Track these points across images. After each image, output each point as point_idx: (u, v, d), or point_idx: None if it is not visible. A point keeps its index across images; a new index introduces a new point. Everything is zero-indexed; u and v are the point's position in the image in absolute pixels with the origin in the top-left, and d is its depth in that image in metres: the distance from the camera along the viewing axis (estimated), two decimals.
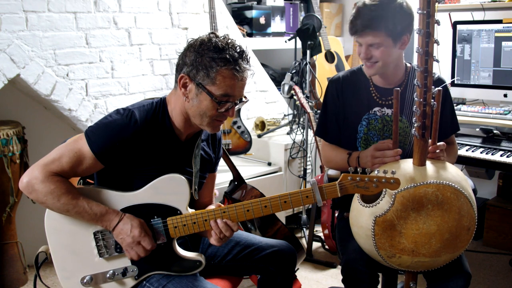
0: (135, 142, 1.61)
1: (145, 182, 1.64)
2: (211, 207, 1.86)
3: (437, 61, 1.63)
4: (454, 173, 1.68)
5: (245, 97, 1.67)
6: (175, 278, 1.66)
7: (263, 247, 1.86)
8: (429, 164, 1.69)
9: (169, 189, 1.64)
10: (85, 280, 1.64)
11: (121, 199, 1.64)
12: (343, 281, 1.86)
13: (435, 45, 1.61)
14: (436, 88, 1.65)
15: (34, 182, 1.54)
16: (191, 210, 1.66)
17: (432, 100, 1.64)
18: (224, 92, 1.57)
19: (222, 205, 1.65)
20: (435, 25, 1.60)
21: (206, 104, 1.59)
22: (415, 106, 1.64)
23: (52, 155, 1.58)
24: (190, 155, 1.74)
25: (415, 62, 1.70)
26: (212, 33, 1.63)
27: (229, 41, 1.59)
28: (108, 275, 1.64)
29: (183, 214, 1.64)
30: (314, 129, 3.00)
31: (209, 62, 1.55)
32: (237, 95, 1.61)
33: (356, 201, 1.72)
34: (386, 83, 1.98)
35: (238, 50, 1.59)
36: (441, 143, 1.78)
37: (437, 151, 1.75)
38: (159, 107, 1.68)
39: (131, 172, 1.66)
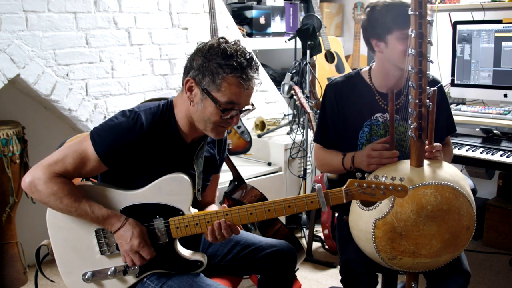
0: (140, 145, 1.59)
1: (149, 183, 1.63)
2: (213, 206, 1.86)
3: (431, 61, 1.62)
4: (452, 173, 1.68)
5: (252, 104, 1.63)
6: (175, 275, 1.66)
7: (263, 246, 1.86)
8: (426, 165, 1.69)
9: (172, 189, 1.63)
10: (86, 276, 1.64)
11: (123, 197, 1.63)
12: (342, 281, 1.86)
13: (433, 45, 1.61)
14: (432, 89, 1.65)
15: (37, 183, 1.53)
16: (193, 210, 1.66)
17: (428, 101, 1.63)
18: (228, 99, 1.54)
19: (226, 206, 1.64)
20: (433, 24, 1.60)
21: (210, 110, 1.56)
22: (410, 108, 1.64)
23: (56, 155, 1.57)
24: (194, 157, 1.73)
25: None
26: (222, 37, 1.59)
27: (239, 47, 1.56)
28: (109, 272, 1.64)
29: (185, 214, 1.63)
30: (314, 129, 3.00)
31: (216, 68, 1.52)
32: (242, 103, 1.58)
33: (356, 205, 1.72)
34: (389, 86, 1.95)
35: (247, 58, 1.55)
36: (438, 144, 1.77)
37: (434, 151, 1.74)
38: (165, 109, 1.66)
39: (135, 173, 1.65)
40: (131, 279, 1.67)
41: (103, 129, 1.59)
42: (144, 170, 1.64)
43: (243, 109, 1.60)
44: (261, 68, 3.82)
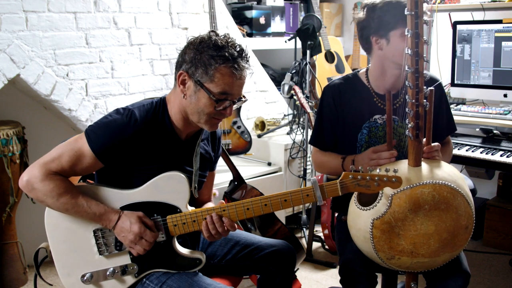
0: (135, 142, 1.61)
1: (145, 181, 1.64)
2: (210, 204, 1.87)
3: (427, 61, 1.62)
4: (450, 172, 1.68)
5: (243, 96, 1.67)
6: (174, 275, 1.66)
7: (262, 246, 1.86)
8: (424, 164, 1.69)
9: (168, 187, 1.64)
10: (85, 278, 1.64)
11: (120, 197, 1.64)
12: (341, 281, 1.86)
13: (433, 45, 1.60)
14: (429, 88, 1.65)
15: (34, 181, 1.54)
16: (190, 208, 1.67)
17: (425, 101, 1.63)
18: (222, 90, 1.57)
19: (224, 203, 1.65)
20: (433, 24, 1.60)
21: (204, 101, 1.59)
22: (407, 107, 1.64)
23: (52, 153, 1.58)
24: (190, 154, 1.74)
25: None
26: (212, 31, 1.63)
27: (229, 39, 1.60)
28: (108, 273, 1.65)
29: (182, 212, 1.64)
30: None
31: (208, 60, 1.56)
32: (235, 93, 1.61)
33: (353, 204, 1.72)
34: (387, 87, 1.94)
35: (238, 49, 1.59)
36: (436, 143, 1.77)
37: (432, 150, 1.74)
38: (159, 106, 1.68)
39: (131, 171, 1.66)
40: (130, 279, 1.67)
41: (98, 126, 1.61)
42: (139, 167, 1.65)
43: (236, 99, 1.63)
44: (261, 68, 3.84)
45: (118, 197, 1.64)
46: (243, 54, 1.60)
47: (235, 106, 1.65)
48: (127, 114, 1.62)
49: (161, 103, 1.69)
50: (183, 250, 1.69)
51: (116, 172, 1.67)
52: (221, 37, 1.60)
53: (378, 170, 1.54)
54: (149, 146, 1.64)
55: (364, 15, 1.89)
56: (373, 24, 1.87)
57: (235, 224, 1.65)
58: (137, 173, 1.66)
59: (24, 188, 1.56)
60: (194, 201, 1.77)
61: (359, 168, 1.56)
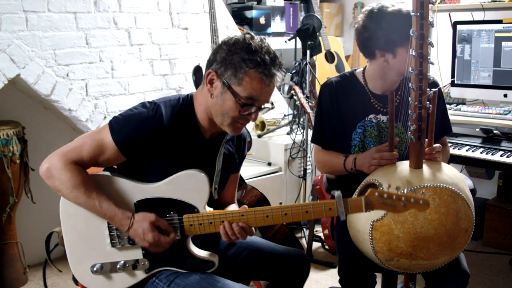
0: (159, 137, 1.58)
1: (165, 177, 1.61)
2: (232, 206, 1.83)
3: (432, 63, 1.62)
4: (451, 175, 1.67)
5: (272, 103, 1.62)
6: (183, 273, 1.64)
7: (277, 258, 1.81)
8: (425, 167, 1.68)
9: (188, 186, 1.61)
10: (95, 268, 1.62)
11: (139, 190, 1.61)
12: (340, 281, 1.86)
13: (434, 45, 1.60)
14: (432, 90, 1.64)
15: (53, 169, 1.53)
16: (209, 209, 1.63)
17: (428, 103, 1.63)
18: (249, 94, 1.54)
19: (247, 207, 1.61)
20: (433, 25, 1.59)
21: (229, 104, 1.55)
22: (410, 110, 1.63)
23: (74, 143, 1.57)
24: (213, 154, 1.70)
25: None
26: (248, 33, 1.59)
27: (264, 44, 1.56)
28: (118, 266, 1.62)
29: (200, 212, 1.61)
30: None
31: (239, 62, 1.52)
32: (262, 100, 1.57)
33: None
34: (384, 88, 1.95)
35: (271, 55, 1.55)
36: (437, 145, 1.77)
37: (433, 152, 1.74)
38: (185, 102, 1.65)
39: (152, 165, 1.63)
40: (140, 274, 1.64)
41: (122, 118, 1.58)
42: (160, 162, 1.62)
43: (263, 106, 1.59)
44: None
45: (136, 190, 1.61)
46: (276, 61, 1.55)
47: (261, 113, 1.60)
48: (153, 108, 1.58)
49: (188, 99, 1.66)
50: (197, 251, 1.66)
51: (137, 165, 1.63)
52: (257, 40, 1.55)
53: (405, 190, 1.48)
54: (172, 142, 1.61)
55: (368, 23, 1.82)
56: (379, 39, 1.79)
57: (253, 229, 1.61)
58: (157, 168, 1.62)
59: (43, 175, 1.54)
60: (214, 202, 1.74)
61: (387, 186, 1.50)
